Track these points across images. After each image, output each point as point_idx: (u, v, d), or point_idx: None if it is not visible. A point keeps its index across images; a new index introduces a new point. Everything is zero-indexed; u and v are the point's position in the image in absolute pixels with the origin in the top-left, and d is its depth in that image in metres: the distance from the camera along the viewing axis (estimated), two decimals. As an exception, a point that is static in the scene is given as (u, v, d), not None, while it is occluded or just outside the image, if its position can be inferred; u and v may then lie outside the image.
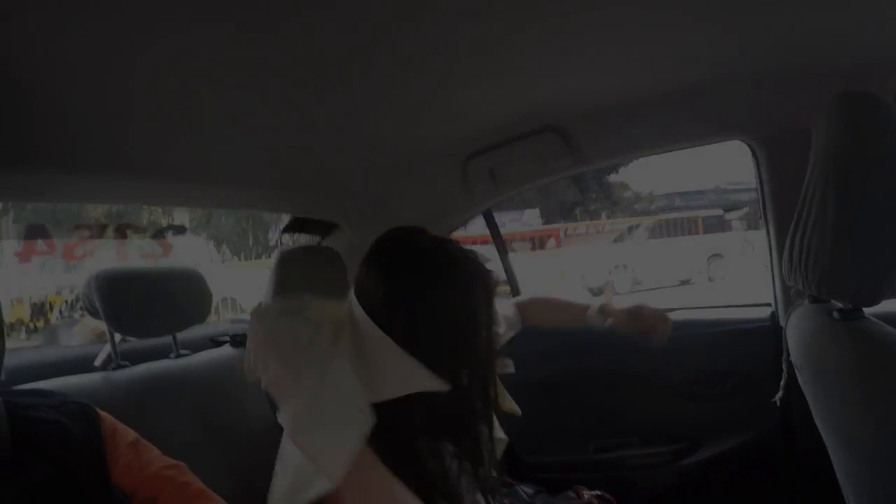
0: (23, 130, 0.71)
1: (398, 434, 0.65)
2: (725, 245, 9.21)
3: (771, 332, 1.25)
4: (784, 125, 1.08)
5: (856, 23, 0.85)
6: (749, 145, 1.17)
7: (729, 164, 10.37)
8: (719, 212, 10.32)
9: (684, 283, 8.72)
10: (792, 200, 0.70)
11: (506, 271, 1.50)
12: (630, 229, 10.31)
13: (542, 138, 1.16)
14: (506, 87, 0.96)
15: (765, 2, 0.76)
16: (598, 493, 1.09)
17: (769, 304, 1.30)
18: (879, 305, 0.60)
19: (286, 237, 1.58)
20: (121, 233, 1.88)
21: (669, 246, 9.30)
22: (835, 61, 0.96)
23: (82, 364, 1.02)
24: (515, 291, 1.51)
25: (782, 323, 0.99)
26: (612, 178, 10.45)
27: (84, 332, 1.85)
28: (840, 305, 0.66)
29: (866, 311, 0.64)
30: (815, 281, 0.64)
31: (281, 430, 1.02)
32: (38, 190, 0.91)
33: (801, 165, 0.68)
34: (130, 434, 0.59)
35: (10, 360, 1.24)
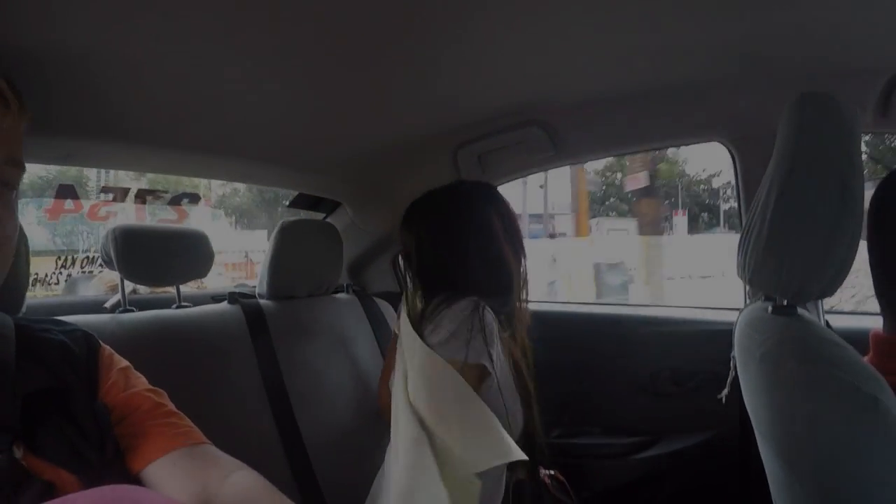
0: (58, 100, 0.77)
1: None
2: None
3: None
4: (759, 128, 1.08)
5: (829, 25, 0.84)
6: (727, 147, 1.18)
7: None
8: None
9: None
10: None
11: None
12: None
13: (527, 132, 1.20)
14: (491, 79, 0.99)
15: (740, 3, 0.76)
16: (552, 472, 1.13)
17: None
18: None
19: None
20: (140, 198, 2.01)
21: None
22: (808, 64, 0.96)
23: (95, 309, 1.14)
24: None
25: None
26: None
27: (100, 285, 1.99)
28: (781, 301, 0.64)
29: None
30: (749, 274, 0.65)
31: (263, 387, 1.10)
32: (66, 154, 0.98)
33: None
34: (124, 362, 0.64)
35: (36, 303, 1.37)
